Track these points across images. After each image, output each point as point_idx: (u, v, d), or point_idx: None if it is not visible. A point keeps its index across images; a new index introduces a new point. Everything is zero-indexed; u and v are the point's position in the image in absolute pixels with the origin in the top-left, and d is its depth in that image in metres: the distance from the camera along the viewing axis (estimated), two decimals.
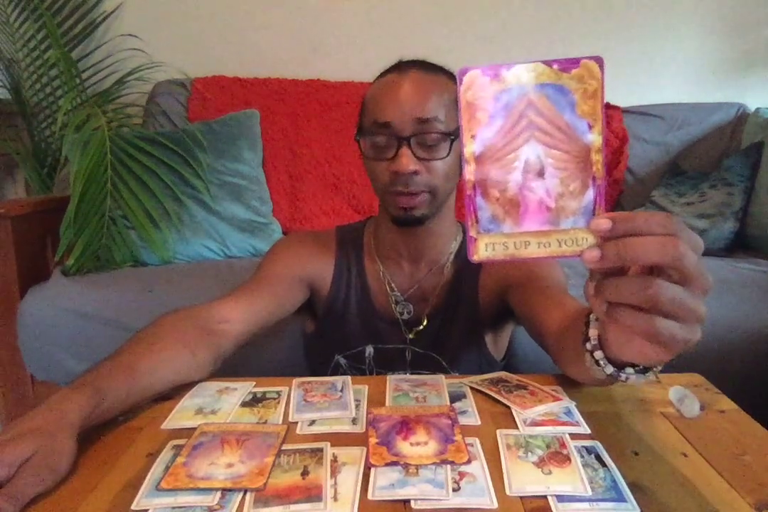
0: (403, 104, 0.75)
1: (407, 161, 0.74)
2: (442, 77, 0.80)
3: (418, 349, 0.88)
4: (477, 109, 0.38)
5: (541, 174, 0.38)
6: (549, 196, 0.38)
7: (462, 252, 0.89)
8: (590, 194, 0.38)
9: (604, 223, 0.36)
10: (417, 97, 0.75)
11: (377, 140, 0.77)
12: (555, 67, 0.38)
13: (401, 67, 0.80)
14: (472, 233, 0.39)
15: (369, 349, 0.89)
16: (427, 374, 0.87)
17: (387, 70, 0.82)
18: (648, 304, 0.36)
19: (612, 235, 0.36)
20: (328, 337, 0.93)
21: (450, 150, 0.76)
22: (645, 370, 0.47)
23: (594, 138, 0.38)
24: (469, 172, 0.39)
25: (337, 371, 0.91)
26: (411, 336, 0.88)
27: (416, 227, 0.83)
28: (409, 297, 0.89)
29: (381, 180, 0.78)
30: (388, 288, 0.89)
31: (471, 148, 0.39)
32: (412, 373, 0.88)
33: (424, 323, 0.88)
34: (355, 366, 0.90)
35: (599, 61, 0.37)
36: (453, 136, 0.76)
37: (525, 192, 0.39)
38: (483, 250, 0.39)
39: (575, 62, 0.37)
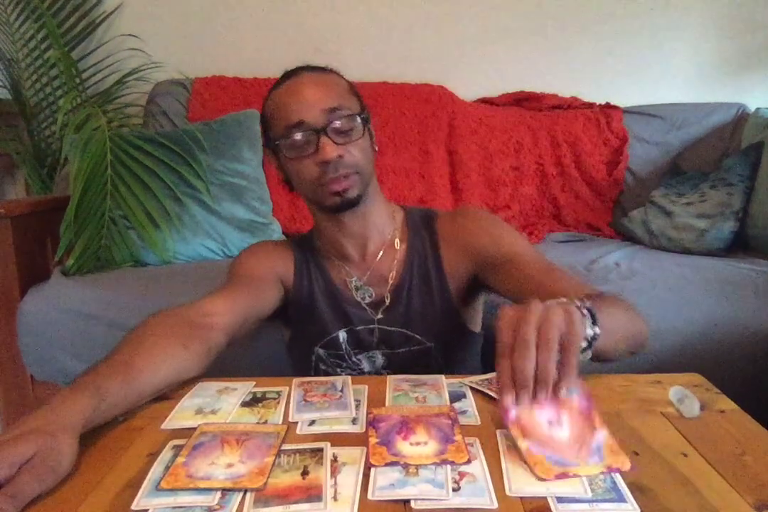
0: (309, 100, 0.81)
1: (331, 149, 0.79)
2: (331, 73, 0.88)
3: (388, 327, 0.91)
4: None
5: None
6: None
7: (408, 227, 0.94)
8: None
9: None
10: (318, 92, 0.82)
11: (296, 139, 0.81)
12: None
13: (291, 73, 0.86)
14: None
15: (342, 334, 0.92)
16: (404, 351, 0.90)
17: (277, 82, 0.87)
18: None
19: None
20: (304, 332, 0.95)
21: (364, 129, 0.83)
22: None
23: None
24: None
25: (318, 364, 0.94)
26: (379, 316, 0.92)
27: (353, 211, 0.86)
28: (366, 282, 0.92)
29: (310, 174, 0.82)
30: (346, 277, 0.93)
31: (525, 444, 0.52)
32: (388, 351, 0.91)
33: (387, 302, 0.91)
34: (334, 353, 0.93)
35: None
36: (362, 114, 0.84)
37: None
38: None
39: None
